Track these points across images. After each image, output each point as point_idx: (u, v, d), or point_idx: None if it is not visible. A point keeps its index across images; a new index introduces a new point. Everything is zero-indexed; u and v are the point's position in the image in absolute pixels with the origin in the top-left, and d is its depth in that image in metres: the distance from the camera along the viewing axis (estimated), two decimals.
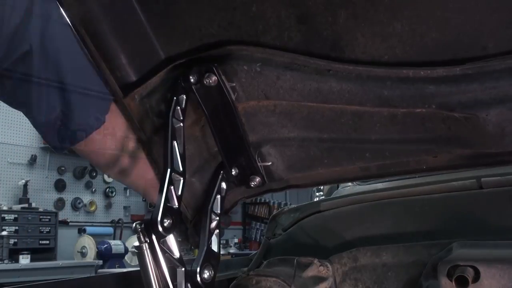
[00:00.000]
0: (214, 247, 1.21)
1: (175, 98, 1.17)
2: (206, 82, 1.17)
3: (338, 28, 1.03)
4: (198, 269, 1.13)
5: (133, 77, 1.22)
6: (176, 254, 1.08)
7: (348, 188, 2.39)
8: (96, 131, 1.26)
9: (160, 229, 1.04)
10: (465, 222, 1.54)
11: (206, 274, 1.14)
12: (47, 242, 6.59)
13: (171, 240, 1.07)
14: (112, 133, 1.31)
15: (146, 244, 1.04)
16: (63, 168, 7.95)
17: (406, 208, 1.71)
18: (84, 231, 7.24)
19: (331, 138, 1.21)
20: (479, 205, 1.60)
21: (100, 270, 6.25)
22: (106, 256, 6.85)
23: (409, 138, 1.13)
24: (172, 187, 1.11)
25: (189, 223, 1.36)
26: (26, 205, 7.01)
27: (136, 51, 1.20)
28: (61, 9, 1.14)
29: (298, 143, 1.26)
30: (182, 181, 1.14)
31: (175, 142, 1.14)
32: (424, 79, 1.01)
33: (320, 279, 1.48)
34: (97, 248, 6.85)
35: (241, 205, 10.36)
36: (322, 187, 3.57)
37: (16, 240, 6.26)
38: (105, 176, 7.93)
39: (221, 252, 1.30)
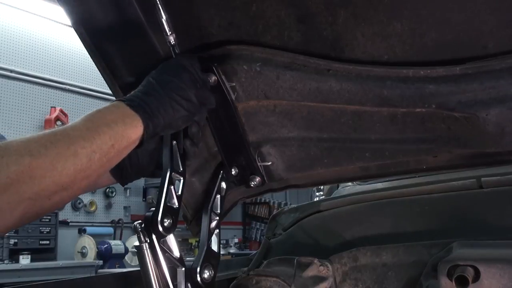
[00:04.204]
0: (214, 247, 1.21)
1: None
2: None
3: (338, 28, 1.03)
4: (198, 269, 1.13)
5: (133, 76, 1.22)
6: (176, 254, 1.08)
7: (348, 188, 2.39)
8: None
9: (160, 229, 1.04)
10: (465, 222, 1.54)
11: (206, 274, 1.14)
12: (47, 242, 6.58)
13: (171, 240, 1.08)
14: None
15: (146, 244, 1.04)
16: None
17: (406, 208, 1.71)
18: (84, 231, 7.23)
19: (331, 138, 1.21)
20: (479, 205, 1.60)
21: (100, 270, 6.25)
22: (106, 256, 6.84)
23: (409, 138, 1.13)
24: (172, 187, 1.11)
25: (189, 223, 1.36)
26: None
27: (136, 50, 1.20)
28: (62, 8, 1.14)
29: (298, 143, 1.26)
30: (182, 181, 1.14)
31: (175, 142, 1.14)
32: (424, 78, 1.01)
33: (320, 279, 1.48)
34: (97, 248, 6.85)
35: (241, 205, 10.35)
36: (322, 187, 3.56)
37: (16, 240, 6.25)
38: None
39: (221, 252, 1.30)
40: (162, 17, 1.08)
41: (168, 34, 1.10)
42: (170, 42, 1.11)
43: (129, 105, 0.97)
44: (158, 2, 1.07)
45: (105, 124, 0.91)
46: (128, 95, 1.02)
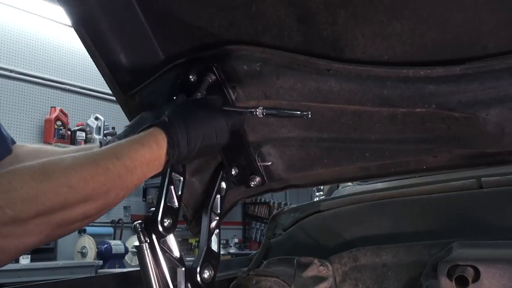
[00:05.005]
0: (214, 247, 1.21)
1: (175, 97, 1.17)
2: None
3: (338, 28, 1.03)
4: (198, 269, 1.13)
5: (133, 76, 1.22)
6: (176, 254, 1.08)
7: (348, 188, 2.39)
8: None
9: (160, 229, 1.04)
10: (465, 222, 1.54)
11: (206, 274, 1.14)
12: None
13: (171, 240, 1.08)
14: None
15: (146, 244, 1.04)
16: None
17: (406, 208, 1.71)
18: (84, 231, 7.21)
19: (331, 138, 1.21)
20: (479, 205, 1.60)
21: (100, 270, 6.24)
22: (106, 256, 6.82)
23: (409, 138, 1.13)
24: (172, 187, 1.11)
25: (189, 223, 1.36)
26: None
27: (136, 50, 1.20)
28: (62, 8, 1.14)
29: (298, 143, 1.26)
30: (182, 181, 1.14)
31: None
32: (424, 78, 1.01)
33: (320, 279, 1.48)
34: (97, 248, 6.84)
35: (241, 205, 10.34)
36: (322, 187, 3.56)
37: None
38: None
39: (221, 252, 1.30)
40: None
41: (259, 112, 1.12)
42: (252, 112, 1.12)
43: (168, 151, 0.98)
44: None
45: (141, 165, 0.94)
46: (174, 130, 1.00)
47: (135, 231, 1.05)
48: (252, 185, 1.30)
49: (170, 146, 0.98)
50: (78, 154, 0.89)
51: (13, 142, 1.30)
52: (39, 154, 1.30)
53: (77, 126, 7.12)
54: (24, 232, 0.78)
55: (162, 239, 1.05)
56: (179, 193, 1.13)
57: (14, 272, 5.56)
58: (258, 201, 10.78)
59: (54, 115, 6.86)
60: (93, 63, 1.20)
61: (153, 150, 0.97)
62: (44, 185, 0.80)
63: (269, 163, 1.30)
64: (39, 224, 0.79)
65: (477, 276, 1.22)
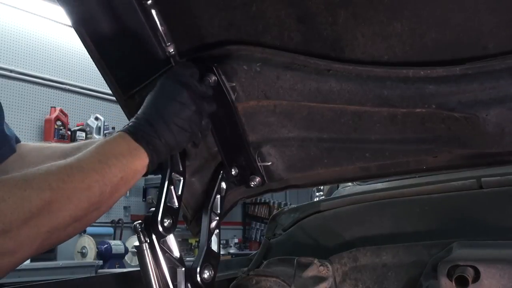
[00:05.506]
0: (214, 247, 1.21)
1: None
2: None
3: (338, 28, 1.03)
4: (198, 269, 1.13)
5: (133, 76, 1.22)
6: (176, 254, 1.08)
7: (348, 188, 2.39)
8: None
9: (160, 229, 1.05)
10: (465, 222, 1.54)
11: (206, 274, 1.14)
12: None
13: (171, 240, 1.08)
14: None
15: (146, 244, 1.04)
16: None
17: (406, 208, 1.71)
18: (84, 231, 7.21)
19: (331, 138, 1.21)
20: (479, 205, 1.60)
21: (100, 270, 6.24)
22: (106, 256, 6.82)
23: (409, 138, 1.13)
24: (172, 187, 1.11)
25: (189, 223, 1.36)
26: None
27: (135, 50, 1.20)
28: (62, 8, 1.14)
29: (298, 143, 1.26)
30: (182, 181, 1.14)
31: None
32: (424, 79, 1.01)
33: (320, 279, 1.48)
34: (97, 248, 6.84)
35: (241, 205, 10.34)
36: (322, 187, 3.56)
37: None
38: None
39: (221, 252, 1.30)
40: (159, 29, 1.09)
41: (167, 44, 1.11)
42: (169, 52, 1.12)
43: (133, 138, 0.99)
44: (154, 13, 1.08)
45: (114, 156, 0.94)
46: (131, 124, 1.03)
47: (135, 231, 1.06)
48: (252, 185, 1.30)
49: (132, 135, 0.98)
50: (56, 162, 0.90)
51: (18, 141, 1.30)
52: (42, 150, 1.30)
53: (77, 126, 7.12)
54: (16, 247, 0.79)
55: (162, 239, 1.05)
56: (179, 193, 1.13)
57: (14, 272, 5.53)
58: (258, 201, 10.78)
59: (54, 115, 6.86)
60: (93, 63, 1.20)
61: (118, 142, 0.98)
62: (28, 191, 0.81)
63: (269, 163, 1.30)
64: (30, 235, 0.80)
65: (477, 276, 1.22)
